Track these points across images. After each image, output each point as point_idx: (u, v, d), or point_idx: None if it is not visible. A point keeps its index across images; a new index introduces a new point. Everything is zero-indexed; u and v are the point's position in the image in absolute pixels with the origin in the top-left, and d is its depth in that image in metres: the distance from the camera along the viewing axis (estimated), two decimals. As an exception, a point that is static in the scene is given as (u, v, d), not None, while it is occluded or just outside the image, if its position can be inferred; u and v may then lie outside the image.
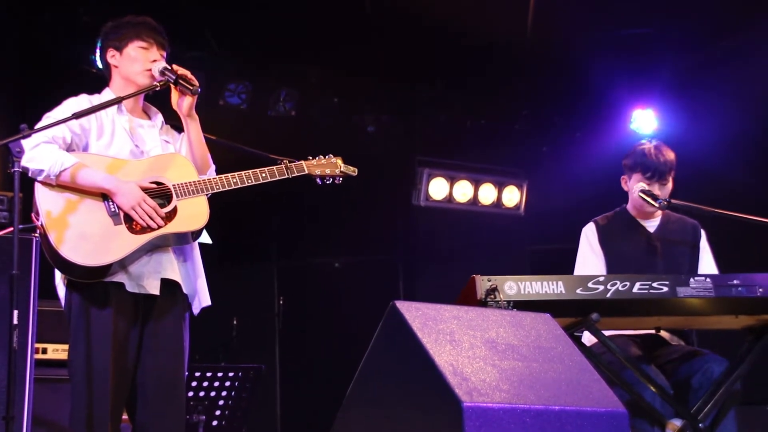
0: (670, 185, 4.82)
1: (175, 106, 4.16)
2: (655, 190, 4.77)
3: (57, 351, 5.51)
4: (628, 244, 4.84)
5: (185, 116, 4.15)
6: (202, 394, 6.18)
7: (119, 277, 3.88)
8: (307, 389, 9.13)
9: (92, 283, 3.85)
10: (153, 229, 3.90)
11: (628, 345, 4.46)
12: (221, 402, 6.28)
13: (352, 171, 4.46)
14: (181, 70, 4.09)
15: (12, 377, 3.61)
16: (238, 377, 6.31)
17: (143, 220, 3.87)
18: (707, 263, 4.85)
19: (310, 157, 4.37)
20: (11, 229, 4.42)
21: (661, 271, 4.70)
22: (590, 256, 4.83)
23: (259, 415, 7.84)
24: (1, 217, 5.18)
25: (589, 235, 4.90)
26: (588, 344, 4.45)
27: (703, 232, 4.92)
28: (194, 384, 6.14)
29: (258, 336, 9.26)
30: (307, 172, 4.32)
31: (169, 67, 4.08)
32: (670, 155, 4.82)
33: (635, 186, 4.78)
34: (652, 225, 4.90)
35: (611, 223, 4.93)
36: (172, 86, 4.09)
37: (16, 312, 3.63)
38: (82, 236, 3.79)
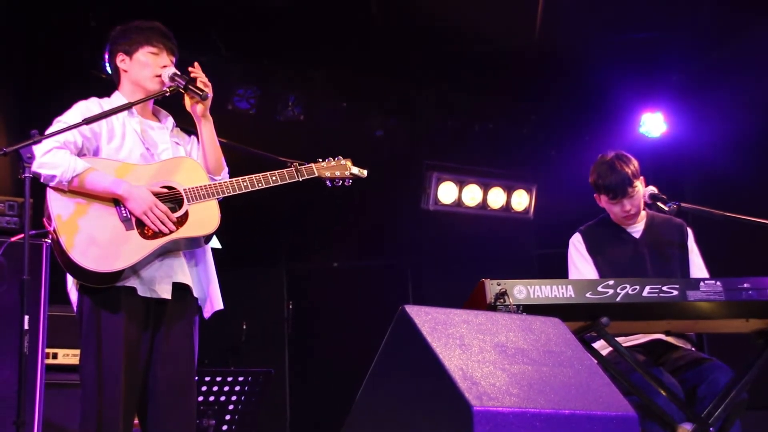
0: (639, 191, 4.81)
1: (188, 108, 4.17)
2: (624, 205, 4.80)
3: (67, 356, 5.53)
4: (615, 252, 4.86)
5: (199, 117, 4.16)
6: (212, 398, 6.18)
7: (131, 282, 3.89)
8: (317, 393, 9.13)
9: (104, 287, 3.85)
10: (164, 234, 3.91)
11: (634, 354, 4.46)
12: (231, 406, 6.28)
13: (362, 173, 4.46)
14: (195, 73, 4.10)
15: (23, 382, 3.61)
16: (247, 382, 6.31)
17: (155, 225, 3.88)
18: (696, 264, 4.85)
19: (320, 160, 4.38)
20: (22, 235, 4.44)
21: (650, 277, 4.70)
22: (582, 263, 4.85)
23: (268, 419, 7.86)
24: (12, 223, 5.18)
25: (576, 244, 4.93)
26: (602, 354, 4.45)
27: (689, 231, 4.92)
28: (204, 389, 6.15)
29: (267, 340, 9.26)
30: (317, 174, 4.33)
31: (179, 73, 4.10)
32: (627, 167, 4.79)
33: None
34: (636, 231, 4.92)
35: (596, 232, 4.95)
36: (183, 92, 4.10)
37: (26, 317, 3.63)
38: (93, 241, 3.81)
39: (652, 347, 4.69)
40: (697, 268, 4.84)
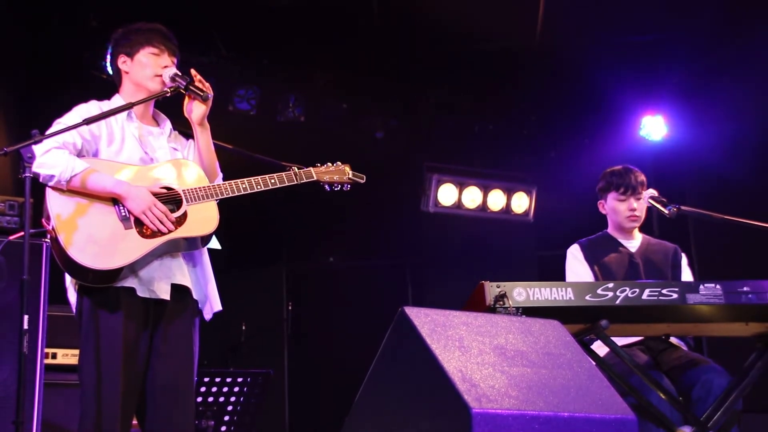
0: (644, 201, 4.91)
1: (186, 114, 4.17)
2: (632, 203, 4.95)
3: (67, 356, 5.52)
4: (612, 261, 4.96)
5: (196, 124, 4.16)
6: (211, 399, 6.19)
7: (130, 282, 3.89)
8: (316, 394, 9.13)
9: (103, 287, 3.86)
10: (163, 234, 3.91)
11: (633, 355, 4.47)
12: (230, 407, 6.29)
13: (360, 178, 4.47)
14: (197, 76, 4.10)
15: (22, 382, 3.61)
16: (246, 382, 6.32)
17: (153, 224, 3.88)
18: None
19: (319, 164, 4.39)
20: (21, 233, 4.43)
21: None
22: (580, 268, 4.92)
23: (267, 420, 7.85)
24: (12, 223, 5.18)
25: (574, 253, 5.05)
26: (600, 354, 4.46)
27: (683, 256, 5.06)
28: (203, 389, 6.15)
29: (266, 341, 9.26)
30: (315, 178, 4.34)
31: (180, 74, 4.10)
32: (641, 175, 5.02)
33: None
34: (632, 245, 5.05)
35: (594, 244, 5.07)
36: (183, 92, 4.10)
37: (26, 317, 3.63)
38: (92, 239, 3.81)
39: (650, 343, 4.71)
40: None
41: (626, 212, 4.96)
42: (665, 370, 4.59)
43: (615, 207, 5.00)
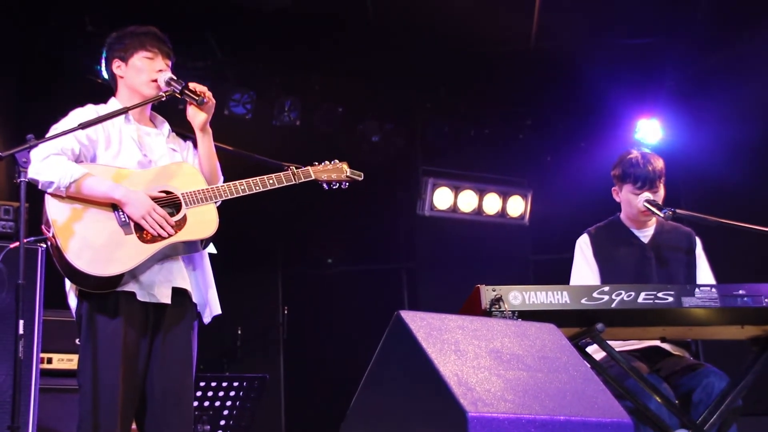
0: (661, 192, 4.82)
1: (189, 119, 4.17)
2: (649, 197, 4.78)
3: (62, 361, 5.51)
4: (622, 255, 4.84)
5: (198, 130, 4.16)
6: (207, 404, 6.19)
7: (130, 287, 3.88)
8: (312, 399, 9.12)
9: (104, 293, 3.85)
10: (164, 238, 3.90)
11: (630, 360, 4.46)
12: (226, 412, 6.29)
13: (358, 176, 4.47)
14: (200, 87, 4.09)
15: (17, 387, 3.60)
16: (242, 387, 6.32)
17: (153, 229, 3.88)
18: (704, 271, 4.85)
19: (316, 163, 4.39)
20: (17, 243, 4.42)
21: (655, 281, 4.70)
22: (585, 268, 4.84)
23: (263, 424, 7.85)
24: (7, 227, 5.17)
25: (583, 246, 4.91)
26: (596, 358, 4.44)
27: (698, 240, 4.92)
28: (199, 394, 6.15)
29: (262, 345, 9.25)
30: (313, 177, 4.34)
31: (175, 78, 4.09)
32: (659, 162, 4.84)
33: (641, 197, 4.78)
34: (645, 235, 4.91)
35: (605, 234, 4.93)
36: (179, 96, 4.10)
37: (21, 322, 3.62)
38: (90, 245, 3.80)
39: (648, 353, 4.69)
40: (705, 274, 4.83)
41: (642, 206, 4.79)
42: (664, 376, 4.57)
43: (630, 200, 4.83)
